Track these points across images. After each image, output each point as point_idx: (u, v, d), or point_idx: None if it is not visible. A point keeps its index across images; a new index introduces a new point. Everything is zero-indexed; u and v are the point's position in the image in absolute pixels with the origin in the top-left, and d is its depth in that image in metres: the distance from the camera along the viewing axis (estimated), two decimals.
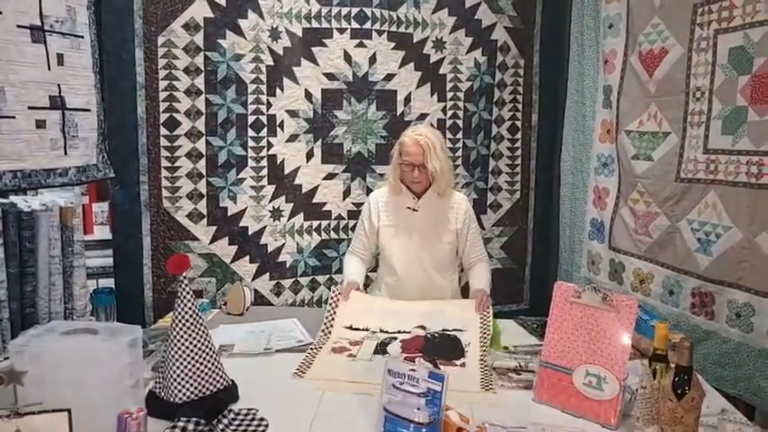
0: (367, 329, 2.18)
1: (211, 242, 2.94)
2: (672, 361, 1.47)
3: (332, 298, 2.31)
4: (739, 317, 2.19)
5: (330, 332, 2.17)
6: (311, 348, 2.03)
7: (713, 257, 2.30)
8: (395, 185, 2.36)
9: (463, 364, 1.94)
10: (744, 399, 2.13)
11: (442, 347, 2.05)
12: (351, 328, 2.19)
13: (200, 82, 2.79)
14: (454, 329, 2.14)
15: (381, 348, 2.04)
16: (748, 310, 2.16)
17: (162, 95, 2.75)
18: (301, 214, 3.11)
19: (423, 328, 2.16)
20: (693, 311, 2.41)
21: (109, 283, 2.93)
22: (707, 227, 2.33)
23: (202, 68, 2.78)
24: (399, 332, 2.14)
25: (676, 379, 1.34)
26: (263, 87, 2.91)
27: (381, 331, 2.16)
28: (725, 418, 1.55)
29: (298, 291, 3.15)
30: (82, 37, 2.38)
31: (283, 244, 3.08)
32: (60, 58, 2.28)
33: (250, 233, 3.01)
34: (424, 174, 2.26)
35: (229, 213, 2.96)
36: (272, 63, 2.90)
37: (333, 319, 2.23)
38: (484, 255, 2.50)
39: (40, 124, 2.22)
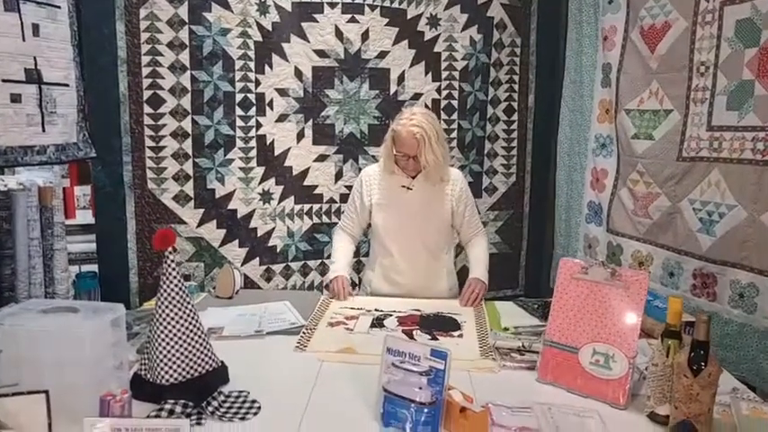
0: (362, 308, 2.16)
1: (199, 225, 2.84)
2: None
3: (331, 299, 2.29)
4: (742, 297, 2.15)
5: (324, 312, 2.14)
6: (306, 328, 1.96)
7: (716, 237, 2.25)
8: (389, 168, 2.28)
9: (461, 335, 1.94)
10: (746, 381, 2.08)
11: (439, 323, 2.04)
12: (345, 307, 2.18)
13: (184, 57, 2.68)
14: (449, 313, 2.13)
15: (378, 323, 2.02)
16: (752, 290, 2.12)
17: (145, 71, 2.64)
18: (292, 197, 3.02)
19: (417, 311, 2.15)
20: (695, 293, 2.36)
21: (92, 269, 2.82)
22: (709, 206, 2.27)
23: (187, 43, 2.68)
24: (395, 312, 2.12)
25: (692, 354, 1.28)
26: (251, 64, 2.81)
27: (377, 310, 2.14)
28: (738, 397, 1.49)
29: (289, 276, 3.06)
30: (59, 7, 2.27)
31: (273, 228, 3.00)
32: (36, 28, 2.17)
33: (239, 216, 2.92)
34: (419, 164, 2.19)
35: (217, 196, 2.86)
36: (260, 38, 2.80)
37: (327, 308, 2.20)
38: (481, 228, 2.45)
39: (15, 98, 2.11)
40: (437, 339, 1.89)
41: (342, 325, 2.00)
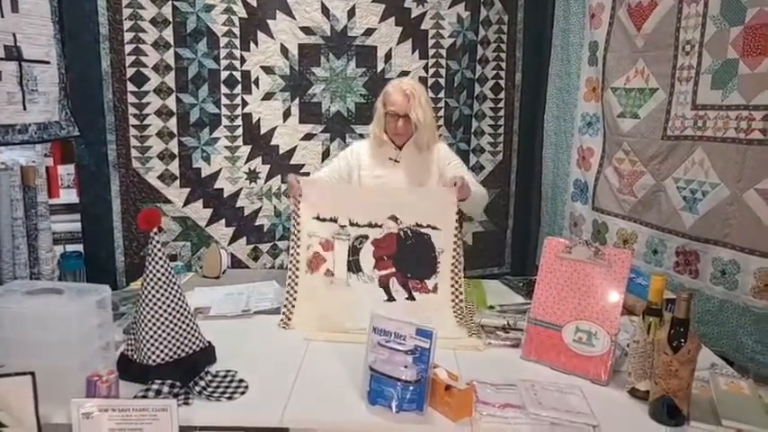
0: (335, 220, 2.04)
1: (185, 205, 2.83)
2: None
3: (293, 209, 2.08)
4: (724, 274, 2.18)
5: (300, 238, 2.03)
6: (290, 271, 1.95)
7: (699, 215, 2.27)
8: (378, 136, 2.28)
9: (435, 288, 1.94)
10: (726, 356, 2.13)
11: (415, 255, 1.99)
12: (318, 218, 2.04)
13: (168, 34, 2.64)
14: (428, 226, 2.01)
15: (354, 259, 1.98)
16: (733, 267, 2.15)
17: (128, 48, 2.60)
18: (278, 176, 3.00)
19: (395, 219, 2.03)
20: (677, 270, 2.39)
21: (78, 248, 2.80)
22: (693, 184, 2.29)
23: (170, 19, 2.63)
24: (370, 225, 2.02)
25: (672, 331, 1.31)
26: (236, 41, 2.77)
27: (351, 224, 2.03)
28: (716, 372, 1.53)
29: (276, 255, 3.06)
30: None
31: (260, 207, 2.99)
32: (14, 4, 2.13)
33: (225, 196, 2.90)
34: (408, 125, 2.19)
35: (203, 175, 2.84)
36: (245, 15, 2.76)
37: (299, 231, 2.04)
38: (474, 182, 2.22)
39: None
40: (413, 299, 1.94)
41: (321, 265, 1.98)
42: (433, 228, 2.02)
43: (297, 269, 1.98)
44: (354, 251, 1.99)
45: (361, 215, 2.04)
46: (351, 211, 2.04)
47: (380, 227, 2.02)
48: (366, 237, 2.02)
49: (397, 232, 2.03)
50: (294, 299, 1.93)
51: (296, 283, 1.96)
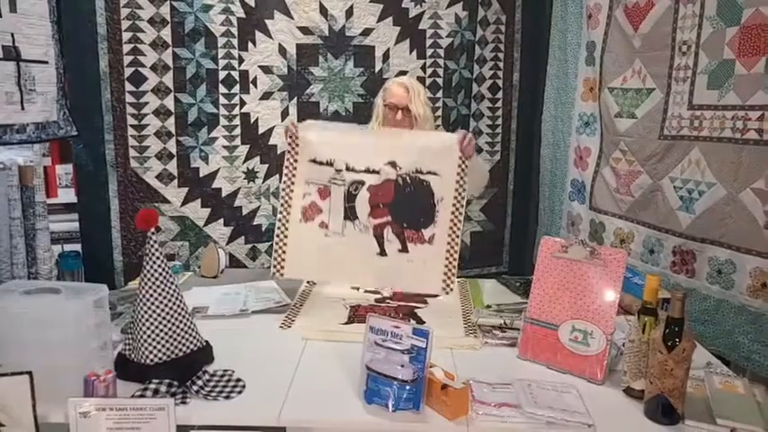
0: (331, 164, 1.96)
1: (183, 204, 2.84)
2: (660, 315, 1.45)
3: (288, 150, 2.01)
4: (720, 274, 2.19)
5: (294, 183, 1.97)
6: (280, 214, 1.93)
7: (695, 215, 2.28)
8: None
9: (431, 239, 1.89)
10: (723, 355, 2.14)
11: (413, 202, 1.92)
12: (315, 161, 1.97)
13: (166, 34, 2.65)
14: (428, 172, 1.94)
15: (350, 207, 1.92)
16: (729, 266, 2.16)
17: (126, 48, 2.61)
18: (277, 176, 3.01)
19: (393, 165, 1.95)
20: (674, 270, 2.40)
21: (76, 248, 2.80)
22: (690, 184, 2.30)
23: (169, 19, 2.64)
24: (367, 171, 1.95)
25: (667, 331, 1.31)
26: (234, 41, 2.78)
27: (348, 169, 1.95)
28: (711, 371, 1.54)
29: None
30: None
31: (258, 206, 2.99)
32: (13, 4, 2.13)
33: (223, 195, 2.91)
34: (408, 118, 2.20)
35: (201, 174, 2.85)
36: (243, 15, 2.76)
37: (293, 175, 1.98)
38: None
39: None
40: (407, 251, 1.90)
41: (316, 216, 1.92)
42: (434, 174, 1.93)
43: (288, 213, 1.93)
44: (350, 197, 1.92)
45: (358, 159, 1.96)
46: (349, 153, 1.96)
47: (378, 173, 1.95)
48: (362, 183, 1.94)
49: (395, 179, 1.94)
50: (285, 243, 1.88)
51: (287, 228, 1.91)
